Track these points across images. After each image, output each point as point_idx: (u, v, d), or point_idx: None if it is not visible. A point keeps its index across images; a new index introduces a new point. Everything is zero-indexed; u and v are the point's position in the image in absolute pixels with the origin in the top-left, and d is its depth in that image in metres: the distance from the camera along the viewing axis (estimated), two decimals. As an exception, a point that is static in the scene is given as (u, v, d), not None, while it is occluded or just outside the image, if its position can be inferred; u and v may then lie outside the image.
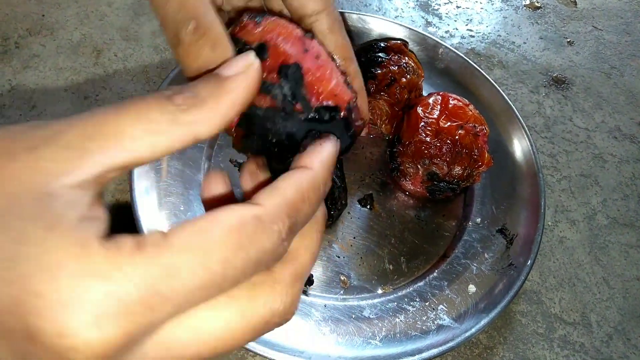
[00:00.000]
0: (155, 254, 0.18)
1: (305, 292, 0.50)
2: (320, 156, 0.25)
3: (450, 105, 0.55)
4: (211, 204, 0.25)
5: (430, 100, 0.56)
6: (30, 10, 0.71)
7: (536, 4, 0.85)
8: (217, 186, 0.26)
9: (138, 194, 0.51)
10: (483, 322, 0.48)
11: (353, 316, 0.49)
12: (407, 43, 0.63)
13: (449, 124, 0.54)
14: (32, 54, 0.67)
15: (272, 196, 0.22)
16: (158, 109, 0.20)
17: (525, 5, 0.84)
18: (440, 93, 0.56)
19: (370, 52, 0.59)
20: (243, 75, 0.24)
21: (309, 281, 0.51)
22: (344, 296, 0.51)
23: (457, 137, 0.53)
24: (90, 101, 0.63)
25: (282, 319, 0.23)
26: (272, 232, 0.21)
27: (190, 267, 0.18)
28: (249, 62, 0.24)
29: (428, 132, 0.54)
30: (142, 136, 0.20)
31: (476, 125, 0.54)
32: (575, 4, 0.86)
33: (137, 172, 0.52)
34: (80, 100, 0.63)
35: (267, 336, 0.46)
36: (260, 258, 0.20)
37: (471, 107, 0.56)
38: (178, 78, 0.59)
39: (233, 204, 0.21)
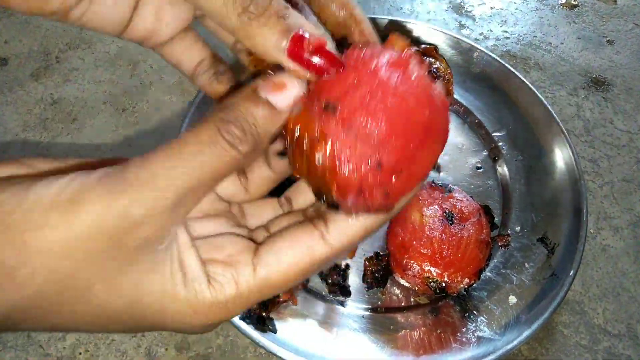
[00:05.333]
0: (253, 295, 0.25)
1: (342, 303, 0.50)
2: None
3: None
4: None
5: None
6: (69, 25, 0.73)
7: (573, 3, 0.82)
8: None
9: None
10: (525, 334, 0.47)
11: (391, 327, 0.49)
12: (438, 47, 0.62)
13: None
14: (72, 68, 0.68)
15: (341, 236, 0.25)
16: (209, 142, 0.21)
17: (561, 4, 0.82)
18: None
19: (402, 58, 0.59)
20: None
21: (346, 292, 0.51)
22: (381, 307, 0.51)
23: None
24: (127, 113, 0.64)
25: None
26: (333, 262, 0.26)
27: (272, 293, 0.25)
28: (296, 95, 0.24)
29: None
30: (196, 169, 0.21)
31: None
32: (615, 1, 0.83)
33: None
34: (119, 113, 0.64)
35: (304, 347, 0.46)
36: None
37: None
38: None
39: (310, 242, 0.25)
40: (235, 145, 0.21)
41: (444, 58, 0.60)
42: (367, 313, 0.50)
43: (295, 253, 0.25)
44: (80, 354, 0.49)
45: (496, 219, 0.56)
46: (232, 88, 0.31)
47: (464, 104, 0.66)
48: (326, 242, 0.25)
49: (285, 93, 0.23)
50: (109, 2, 0.28)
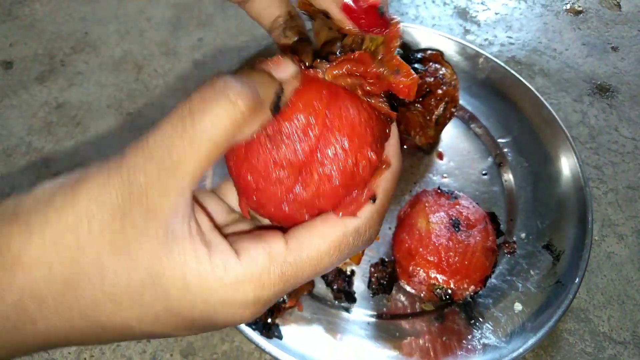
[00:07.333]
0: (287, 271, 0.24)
1: (347, 310, 0.50)
2: (394, 149, 0.29)
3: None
4: None
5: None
6: (75, 28, 0.73)
7: (577, 9, 0.82)
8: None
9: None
10: (530, 341, 0.47)
11: (396, 334, 0.49)
12: (443, 53, 0.62)
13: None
14: (76, 71, 0.68)
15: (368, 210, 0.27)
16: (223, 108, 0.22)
17: (566, 10, 0.82)
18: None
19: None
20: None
21: (352, 298, 0.51)
22: (387, 313, 0.51)
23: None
24: (132, 117, 0.64)
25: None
26: (366, 237, 0.27)
27: (309, 273, 0.25)
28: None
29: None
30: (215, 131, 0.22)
31: None
32: (619, 7, 0.83)
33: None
34: (123, 117, 0.64)
35: (309, 353, 0.46)
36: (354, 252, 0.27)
37: None
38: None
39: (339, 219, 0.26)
40: (236, 103, 0.22)
41: (449, 64, 0.61)
42: (373, 319, 0.50)
43: (327, 228, 0.25)
44: (85, 359, 0.48)
45: (502, 226, 0.56)
46: (297, 41, 0.33)
47: (470, 109, 0.66)
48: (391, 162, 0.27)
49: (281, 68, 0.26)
50: None
